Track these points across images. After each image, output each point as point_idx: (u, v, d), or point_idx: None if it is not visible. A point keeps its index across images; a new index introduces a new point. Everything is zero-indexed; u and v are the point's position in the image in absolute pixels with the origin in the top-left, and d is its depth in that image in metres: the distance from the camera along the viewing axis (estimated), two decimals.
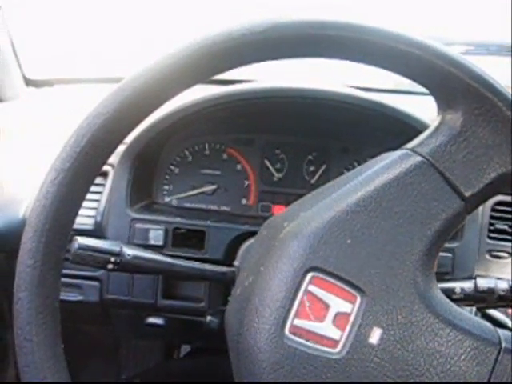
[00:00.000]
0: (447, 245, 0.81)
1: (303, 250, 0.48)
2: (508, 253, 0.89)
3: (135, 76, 0.49)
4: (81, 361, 1.35)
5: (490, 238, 0.89)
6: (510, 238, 0.89)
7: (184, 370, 1.20)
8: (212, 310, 0.82)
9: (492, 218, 0.90)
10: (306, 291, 0.47)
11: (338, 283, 0.48)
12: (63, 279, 0.86)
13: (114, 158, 0.86)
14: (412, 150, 0.50)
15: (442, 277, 0.74)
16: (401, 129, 0.53)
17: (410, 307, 0.48)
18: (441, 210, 0.49)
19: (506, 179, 0.49)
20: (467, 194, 0.49)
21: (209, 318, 0.76)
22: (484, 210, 0.89)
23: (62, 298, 0.85)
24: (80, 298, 0.88)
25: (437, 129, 0.50)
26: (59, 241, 0.50)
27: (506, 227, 0.89)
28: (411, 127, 0.72)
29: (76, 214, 0.51)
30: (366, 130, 0.82)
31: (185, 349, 1.43)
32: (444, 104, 0.50)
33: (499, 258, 0.89)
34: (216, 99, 0.83)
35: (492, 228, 0.90)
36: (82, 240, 0.66)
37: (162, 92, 0.50)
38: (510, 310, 0.90)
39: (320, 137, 0.93)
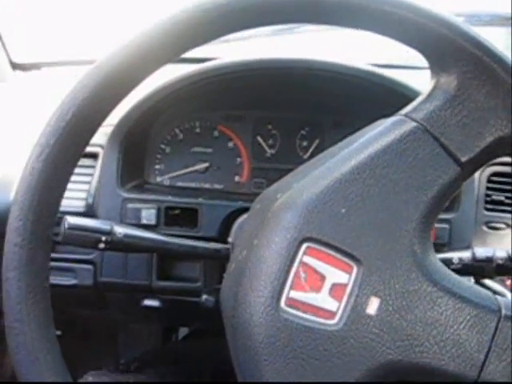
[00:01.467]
0: (444, 216, 0.80)
1: (297, 220, 0.47)
2: (506, 224, 0.88)
3: (118, 48, 0.48)
4: (79, 347, 1.35)
5: (487, 209, 0.89)
6: (507, 209, 0.89)
7: (183, 353, 1.19)
8: (208, 289, 0.81)
9: (488, 189, 0.89)
10: (301, 262, 0.46)
11: (334, 253, 0.47)
12: (56, 263, 0.86)
13: (103, 139, 0.85)
14: (406, 115, 0.49)
15: (439, 248, 0.73)
16: (395, 99, 0.52)
17: (407, 276, 0.47)
18: (437, 176, 0.47)
19: (504, 143, 0.48)
20: (463, 159, 0.48)
21: (204, 296, 0.75)
22: (480, 181, 0.88)
23: (55, 282, 0.86)
24: (74, 281, 0.87)
25: (431, 93, 0.49)
26: (47, 218, 0.49)
27: (502, 198, 0.88)
28: (405, 97, 0.71)
29: (63, 190, 0.50)
30: (359, 101, 0.81)
31: (183, 331, 1.43)
32: (437, 67, 0.49)
33: (496, 229, 0.88)
34: (202, 73, 0.81)
35: (489, 199, 0.89)
36: (71, 220, 0.65)
37: (146, 62, 0.48)
38: (508, 282, 0.90)
39: (312, 111, 0.91)
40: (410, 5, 0.47)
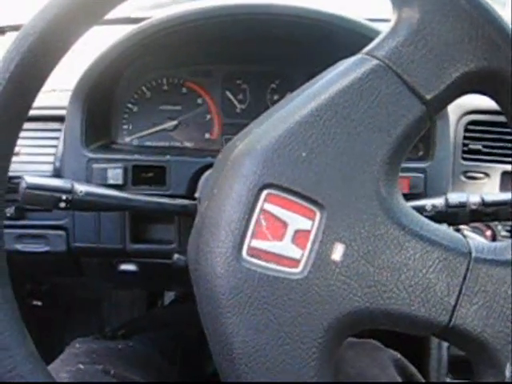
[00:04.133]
0: (419, 165, 0.78)
1: (256, 166, 0.45)
2: (483, 173, 0.87)
3: (53, 2, 0.46)
4: (62, 316, 1.35)
5: (465, 159, 0.87)
6: (484, 158, 0.87)
7: (169, 317, 1.19)
8: (182, 249, 0.79)
9: (466, 138, 0.88)
10: (262, 210, 0.45)
11: (295, 199, 0.45)
12: (27, 230, 0.85)
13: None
14: (367, 53, 0.46)
15: (414, 198, 0.71)
16: (365, 44, 0.49)
17: (373, 220, 0.45)
18: (401, 115, 0.45)
19: (470, 78, 0.46)
20: (428, 96, 0.46)
21: (176, 256, 0.73)
22: (457, 130, 0.87)
23: (27, 249, 0.85)
24: (46, 248, 0.85)
25: (393, 29, 0.47)
26: None
27: (480, 147, 0.87)
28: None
29: (12, 146, 0.48)
30: (329, 50, 0.77)
31: (169, 297, 1.42)
32: (399, 1, 0.46)
33: (474, 178, 0.87)
34: (161, 23, 0.78)
35: (466, 149, 0.87)
36: (29, 179, 0.63)
37: (90, 9, 0.46)
38: (488, 232, 0.89)
39: (281, 63, 0.89)
40: None
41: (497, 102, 0.48)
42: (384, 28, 0.48)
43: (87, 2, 0.46)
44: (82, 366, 0.79)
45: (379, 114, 0.45)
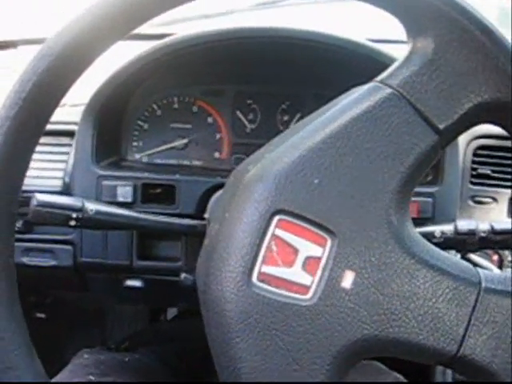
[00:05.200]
0: (428, 189, 0.78)
1: (268, 192, 0.45)
2: (491, 198, 0.87)
3: (80, 16, 0.46)
4: (66, 329, 1.35)
5: (473, 183, 0.87)
6: (493, 182, 0.87)
7: (174, 332, 1.19)
8: (188, 267, 0.79)
9: (474, 162, 0.88)
10: (273, 235, 0.45)
11: (307, 225, 0.45)
12: (35, 244, 0.85)
13: (79, 116, 0.83)
14: (381, 82, 0.47)
15: (423, 222, 0.72)
16: (375, 68, 0.50)
17: (383, 248, 0.45)
18: (414, 144, 0.46)
19: (483, 109, 0.46)
20: (441, 126, 0.46)
21: (183, 275, 0.73)
22: (466, 154, 0.87)
23: (34, 263, 0.85)
24: (53, 262, 0.85)
25: (407, 58, 0.47)
26: (10, 194, 0.47)
27: (488, 172, 0.87)
28: (386, 65, 0.69)
29: (26, 164, 0.48)
30: (339, 72, 0.78)
31: (172, 313, 1.42)
32: (414, 31, 0.47)
33: (482, 203, 0.87)
34: (174, 44, 0.79)
35: (474, 173, 0.87)
36: (40, 196, 0.63)
37: (110, 30, 0.46)
38: (495, 257, 0.89)
39: (292, 84, 0.89)
40: None
41: (509, 132, 0.48)
42: (394, 52, 0.48)
43: (110, 20, 0.46)
44: (92, 378, 0.79)
45: (392, 142, 0.45)
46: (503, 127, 0.48)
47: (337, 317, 0.44)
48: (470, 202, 0.86)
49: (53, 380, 0.71)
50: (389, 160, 0.45)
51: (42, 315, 1.24)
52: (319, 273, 0.45)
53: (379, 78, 0.47)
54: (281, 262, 0.45)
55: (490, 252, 0.86)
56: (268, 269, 0.45)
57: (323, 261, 0.45)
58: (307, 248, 0.45)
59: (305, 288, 0.45)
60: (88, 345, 0.98)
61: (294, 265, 0.45)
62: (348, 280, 0.45)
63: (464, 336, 0.45)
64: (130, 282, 0.86)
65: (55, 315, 1.28)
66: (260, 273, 0.45)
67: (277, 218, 0.45)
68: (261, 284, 0.45)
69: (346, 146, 0.45)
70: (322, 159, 0.45)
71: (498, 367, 0.46)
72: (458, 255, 0.82)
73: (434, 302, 0.45)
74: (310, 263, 0.45)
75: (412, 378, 0.88)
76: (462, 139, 0.86)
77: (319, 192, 0.45)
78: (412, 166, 0.46)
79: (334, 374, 0.45)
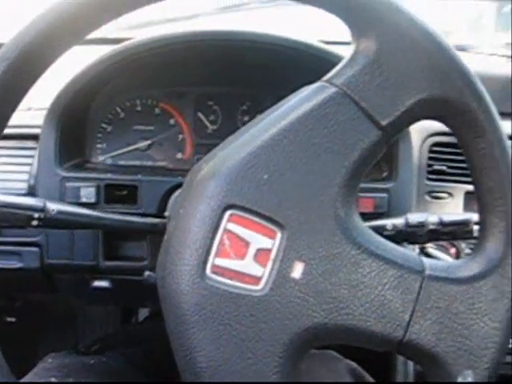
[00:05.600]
0: (383, 185, 0.81)
1: (220, 188, 0.47)
2: (447, 193, 0.90)
3: (36, 21, 0.48)
4: (36, 333, 1.35)
5: (429, 179, 0.90)
6: (448, 178, 0.90)
7: (144, 334, 1.19)
8: (152, 266, 0.81)
9: (430, 159, 0.91)
10: (225, 230, 0.47)
11: (257, 219, 0.47)
12: (1, 247, 0.85)
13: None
14: (327, 81, 0.49)
15: (379, 217, 0.74)
16: (328, 69, 0.52)
17: (331, 239, 0.48)
18: (358, 140, 0.48)
19: (422, 105, 0.49)
20: (384, 122, 0.48)
21: (147, 273, 0.75)
22: (422, 151, 0.90)
23: (1, 266, 0.85)
24: (20, 264, 0.86)
25: (351, 59, 0.49)
26: None
27: (444, 168, 0.90)
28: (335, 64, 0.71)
29: None
30: (294, 73, 0.80)
31: (143, 314, 1.43)
32: (357, 32, 0.49)
33: (439, 198, 0.90)
34: (134, 48, 0.81)
35: (430, 169, 0.90)
36: (2, 198, 0.64)
37: (65, 35, 0.48)
38: (452, 250, 0.92)
39: (252, 86, 0.91)
40: None
41: (449, 126, 0.51)
42: (345, 53, 0.51)
43: (67, 24, 0.48)
44: (54, 380, 0.80)
45: (337, 138, 0.48)
46: (443, 122, 0.51)
47: (287, 306, 0.47)
48: (427, 197, 0.89)
49: None
50: (334, 155, 0.48)
51: (13, 319, 1.24)
52: (270, 264, 0.47)
53: (325, 77, 0.50)
54: (233, 254, 0.47)
55: (447, 245, 0.89)
56: (221, 261, 0.47)
57: (273, 252, 0.47)
58: (258, 240, 0.47)
59: (256, 279, 0.47)
60: (60, 347, 0.99)
61: (245, 257, 0.47)
62: (298, 270, 0.47)
63: (409, 322, 0.48)
64: (98, 283, 0.87)
65: (25, 319, 1.28)
66: (213, 265, 0.47)
67: (228, 212, 0.47)
68: (214, 276, 0.47)
69: (293, 142, 0.48)
70: (271, 155, 0.47)
71: (442, 350, 0.48)
72: (417, 249, 0.85)
73: (380, 290, 0.48)
74: (260, 255, 0.47)
75: (374, 369, 0.90)
76: (417, 137, 0.89)
77: (268, 187, 0.47)
78: (357, 161, 0.48)
79: (286, 361, 0.47)
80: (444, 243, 0.88)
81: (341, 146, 0.48)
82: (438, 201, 0.89)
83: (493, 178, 0.49)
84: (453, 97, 0.48)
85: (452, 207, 0.89)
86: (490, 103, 0.49)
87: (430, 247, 0.88)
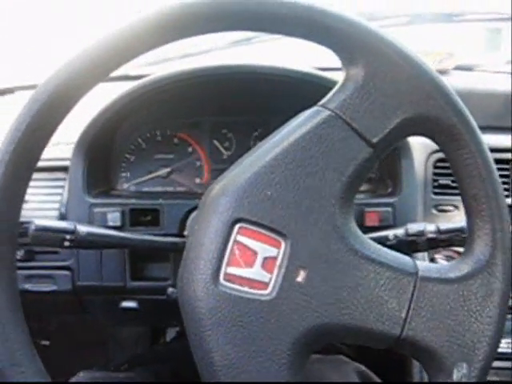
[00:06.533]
0: (387, 200, 0.86)
1: (229, 204, 0.53)
2: (453, 206, 0.94)
3: (66, 64, 0.54)
4: (69, 355, 1.40)
5: (435, 193, 0.95)
6: (454, 192, 0.95)
7: (172, 352, 1.24)
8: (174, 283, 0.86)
9: (435, 174, 0.95)
10: (235, 241, 0.53)
11: (263, 231, 0.53)
12: (36, 271, 0.92)
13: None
14: (321, 105, 0.55)
15: (384, 230, 0.79)
16: (326, 94, 0.58)
17: (330, 247, 0.53)
18: (351, 157, 0.54)
19: (409, 123, 0.54)
20: (374, 140, 0.54)
21: (170, 289, 0.80)
22: (427, 167, 0.95)
23: (36, 289, 0.92)
24: (54, 287, 0.92)
25: (342, 85, 0.55)
26: (10, 226, 0.54)
27: (449, 182, 0.95)
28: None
29: (22, 195, 0.55)
30: (301, 100, 0.86)
31: (171, 334, 1.47)
32: (347, 61, 0.55)
33: (445, 211, 0.94)
34: (156, 82, 0.87)
35: (436, 184, 0.95)
36: (38, 222, 0.71)
37: (92, 74, 0.54)
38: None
39: (262, 113, 0.97)
40: (321, 10, 0.54)
41: (434, 141, 0.56)
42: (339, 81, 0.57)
43: (94, 67, 0.53)
44: None
45: (332, 156, 0.54)
46: (429, 137, 0.56)
47: (293, 308, 0.52)
48: (434, 211, 0.94)
49: None
50: (331, 171, 0.53)
51: (47, 342, 1.30)
52: (276, 271, 0.52)
53: (320, 102, 0.56)
54: (243, 263, 0.52)
55: (454, 255, 0.93)
56: (232, 270, 0.52)
57: (279, 260, 0.53)
58: (264, 250, 0.53)
59: (264, 284, 0.52)
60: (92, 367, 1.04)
61: (254, 265, 0.53)
62: (301, 275, 0.52)
63: (406, 319, 0.53)
64: (126, 304, 0.93)
65: (59, 342, 1.34)
66: (226, 273, 0.52)
67: (237, 225, 0.53)
68: (227, 283, 0.52)
69: (292, 162, 0.53)
70: (273, 174, 0.53)
71: (437, 345, 0.53)
72: (427, 260, 0.89)
73: (377, 291, 0.53)
74: (267, 263, 0.53)
75: (391, 377, 0.94)
76: (422, 154, 0.94)
77: (272, 202, 0.53)
78: (351, 176, 0.54)
79: (294, 358, 0.52)
80: (452, 253, 0.92)
81: (336, 163, 0.54)
82: (445, 214, 0.94)
83: (476, 185, 0.54)
84: (435, 114, 0.54)
85: (458, 219, 0.93)
86: (470, 118, 0.54)
87: (439, 258, 0.92)
